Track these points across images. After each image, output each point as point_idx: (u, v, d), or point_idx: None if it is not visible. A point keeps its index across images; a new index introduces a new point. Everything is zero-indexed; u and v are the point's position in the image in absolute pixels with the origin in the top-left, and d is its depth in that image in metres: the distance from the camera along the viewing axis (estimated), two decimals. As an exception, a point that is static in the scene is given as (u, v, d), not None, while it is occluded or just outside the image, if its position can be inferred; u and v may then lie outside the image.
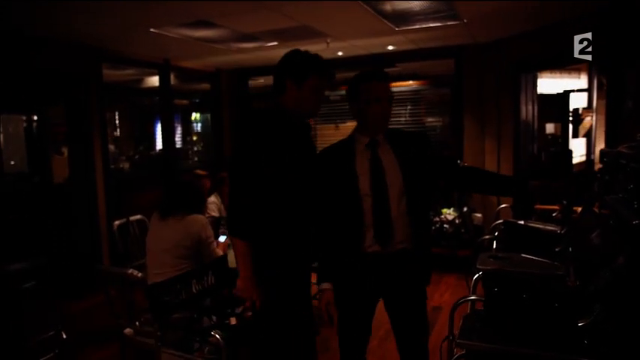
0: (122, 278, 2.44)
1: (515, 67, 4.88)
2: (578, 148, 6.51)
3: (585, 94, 6.76)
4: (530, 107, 5.06)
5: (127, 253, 3.50)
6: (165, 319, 2.36)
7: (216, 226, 3.51)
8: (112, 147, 6.53)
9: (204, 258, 2.78)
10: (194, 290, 2.52)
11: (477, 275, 2.40)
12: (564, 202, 2.96)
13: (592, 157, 6.66)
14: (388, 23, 4.10)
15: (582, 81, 6.82)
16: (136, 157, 6.98)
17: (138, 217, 3.68)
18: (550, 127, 6.67)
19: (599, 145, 6.93)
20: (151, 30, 4.08)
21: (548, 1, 3.59)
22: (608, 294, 1.58)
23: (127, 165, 6.07)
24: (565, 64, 5.27)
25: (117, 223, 3.66)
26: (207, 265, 2.69)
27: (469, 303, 2.20)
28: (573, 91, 6.51)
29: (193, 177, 3.42)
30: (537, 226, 3.15)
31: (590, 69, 6.62)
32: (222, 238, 3.30)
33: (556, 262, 2.62)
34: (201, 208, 2.94)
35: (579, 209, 3.11)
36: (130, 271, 2.35)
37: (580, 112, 6.78)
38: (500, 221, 3.00)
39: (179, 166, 6.12)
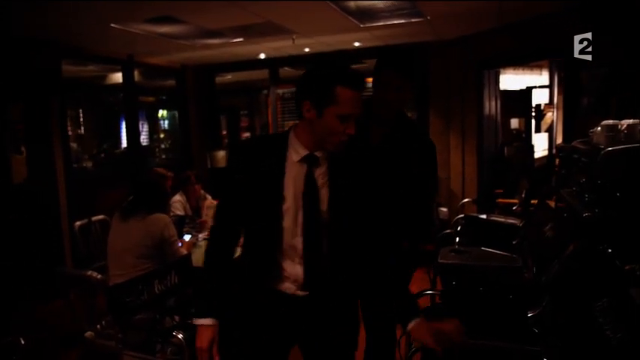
0: (82, 280, 2.39)
1: (479, 63, 4.99)
2: (540, 143, 6.73)
3: (547, 90, 6.99)
4: (493, 103, 5.18)
5: (90, 255, 3.42)
6: (126, 321, 2.32)
7: (181, 224, 3.46)
8: (75, 145, 6.35)
9: (167, 257, 2.75)
10: (156, 290, 2.48)
11: (437, 266, 2.46)
12: (522, 195, 3.06)
13: (553, 151, 6.90)
14: (353, 20, 4.12)
15: (544, 77, 7.04)
16: (102, 155, 6.81)
17: (100, 217, 3.60)
18: (514, 122, 6.85)
19: (560, 140, 7.18)
20: (112, 25, 3.97)
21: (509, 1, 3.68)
22: (556, 285, 1.65)
23: (90, 164, 5.91)
24: (526, 60, 5.44)
25: (78, 223, 3.57)
26: (171, 264, 2.66)
27: (429, 297, 2.25)
28: (535, 87, 6.73)
29: (153, 175, 3.36)
30: (498, 219, 3.25)
31: (551, 66, 6.85)
32: (186, 237, 3.26)
33: (515, 254, 2.72)
34: (164, 207, 2.90)
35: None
36: (90, 272, 2.31)
37: (542, 107, 7.01)
38: (462, 216, 3.07)
39: (146, 164, 6.00)
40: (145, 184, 2.88)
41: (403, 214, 1.97)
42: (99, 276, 2.29)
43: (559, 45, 3.99)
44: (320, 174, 1.54)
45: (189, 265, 2.76)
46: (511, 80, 6.54)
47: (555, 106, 7.02)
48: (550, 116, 7.07)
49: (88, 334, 2.53)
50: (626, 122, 2.17)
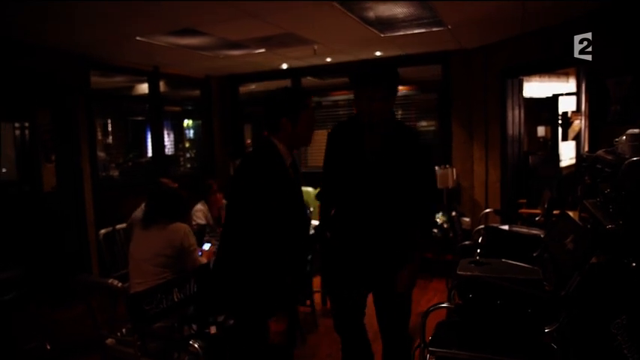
0: (104, 288, 2.45)
1: (502, 72, 4.92)
2: (567, 152, 6.57)
3: (574, 98, 6.83)
4: (517, 112, 5.09)
5: (114, 262, 3.50)
6: (145, 329, 2.36)
7: (202, 233, 3.52)
8: (102, 154, 6.52)
9: (186, 266, 2.79)
10: (176, 299, 2.52)
11: (455, 279, 2.41)
12: (545, 206, 2.99)
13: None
14: (373, 30, 4.13)
15: (571, 84, 6.88)
16: (129, 164, 6.97)
17: (124, 225, 3.68)
18: (541, 131, 6.72)
19: (587, 149, 6.98)
20: (137, 38, 4.10)
21: (533, 5, 3.62)
22: (575, 299, 1.60)
23: (116, 173, 6.06)
24: (550, 69, 5.33)
25: (103, 232, 3.65)
26: (190, 273, 2.70)
27: (445, 310, 2.21)
28: (562, 94, 6.58)
29: (159, 186, 3.42)
30: (520, 230, 3.18)
31: (579, 73, 6.70)
32: (206, 246, 3.31)
33: (536, 266, 2.65)
34: (184, 216, 2.95)
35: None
36: (111, 281, 2.36)
37: (569, 115, 6.84)
38: (482, 227, 3.01)
39: (170, 173, 6.11)
40: (167, 193, 2.93)
41: (408, 211, 2.21)
42: (119, 284, 2.34)
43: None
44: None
45: (208, 274, 2.80)
46: (537, 88, 6.42)
47: (583, 113, 6.85)
48: (577, 124, 6.88)
49: (109, 341, 2.58)
50: (651, 131, 2.10)
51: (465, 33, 4.47)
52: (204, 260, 2.94)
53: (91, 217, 4.76)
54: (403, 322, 2.26)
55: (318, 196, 2.46)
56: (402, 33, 4.31)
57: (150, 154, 6.20)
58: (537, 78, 6.55)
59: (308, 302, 3.93)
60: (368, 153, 2.18)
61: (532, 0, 3.39)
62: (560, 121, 6.70)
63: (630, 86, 3.77)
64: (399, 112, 6.06)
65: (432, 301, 4.30)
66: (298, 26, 3.99)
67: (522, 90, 5.20)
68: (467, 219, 5.07)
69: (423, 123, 6.12)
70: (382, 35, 4.35)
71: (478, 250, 3.08)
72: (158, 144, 5.85)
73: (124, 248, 3.55)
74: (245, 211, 2.02)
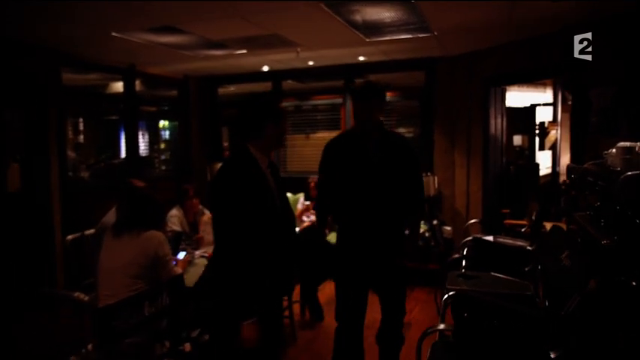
0: (68, 301, 2.26)
1: (486, 80, 4.90)
2: (544, 161, 6.63)
3: (551, 108, 6.92)
4: (499, 120, 5.08)
5: (82, 271, 3.28)
6: (113, 346, 2.19)
7: (178, 241, 3.34)
8: (72, 154, 6.24)
9: (161, 277, 2.62)
10: (146, 313, 2.36)
11: (447, 296, 2.32)
12: (533, 217, 2.94)
13: (557, 169, 6.80)
14: (359, 34, 4.05)
15: (548, 95, 6.97)
16: (101, 164, 6.70)
17: (94, 231, 3.47)
18: (517, 139, 6.77)
19: (564, 158, 7.09)
20: (114, 34, 3.90)
21: (518, 15, 3.60)
22: (579, 321, 1.52)
23: (87, 174, 5.78)
24: (534, 78, 5.35)
25: (70, 237, 3.45)
26: (162, 285, 2.54)
27: (438, 323, 2.12)
28: (539, 104, 6.65)
29: (130, 188, 3.25)
30: (505, 241, 3.12)
31: (555, 84, 6.79)
32: (181, 255, 3.13)
33: (525, 280, 2.59)
34: (160, 223, 2.77)
35: (548, 224, 3.09)
36: (77, 294, 2.18)
37: (546, 125, 6.93)
38: (470, 238, 2.94)
39: (145, 175, 5.88)
40: (142, 198, 2.76)
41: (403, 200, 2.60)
42: (86, 297, 2.16)
43: (567, 62, 3.93)
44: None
45: (182, 286, 2.64)
46: (515, 97, 6.47)
47: (559, 124, 6.96)
48: (554, 134, 6.99)
49: (73, 358, 2.39)
50: (643, 144, 2.06)
51: (451, 40, 4.43)
52: (179, 270, 2.77)
53: (58, 221, 4.50)
54: (399, 311, 2.67)
55: (316, 208, 2.82)
56: (387, 38, 4.24)
57: (123, 155, 5.96)
58: (516, 87, 6.61)
59: (287, 313, 3.79)
60: (370, 155, 2.53)
61: (520, 5, 3.35)
62: (537, 131, 6.78)
63: (613, 97, 3.79)
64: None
65: (414, 311, 4.22)
66: (283, 27, 3.87)
67: (505, 99, 5.21)
68: (448, 228, 5.02)
69: (402, 129, 6.05)
70: (367, 40, 4.27)
71: (464, 262, 3.01)
72: (132, 145, 5.62)
73: (93, 256, 3.34)
74: (226, 221, 2.08)
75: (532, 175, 5.18)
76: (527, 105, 6.53)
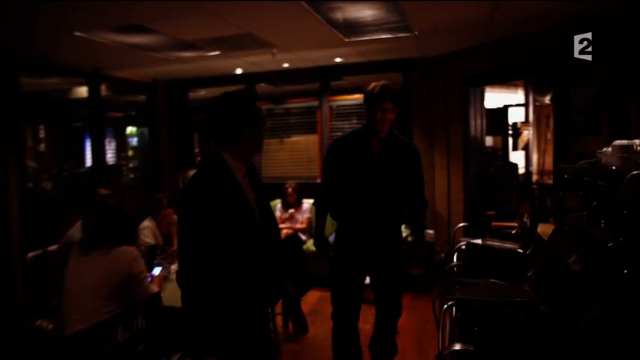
0: (30, 331, 2.01)
1: (464, 80, 4.85)
2: (516, 161, 6.69)
3: (522, 109, 6.99)
4: (478, 121, 5.04)
5: (45, 291, 3.00)
6: (84, 378, 1.96)
7: (152, 255, 3.10)
8: (34, 164, 5.86)
9: (135, 296, 2.39)
10: (120, 338, 2.13)
11: (447, 305, 2.19)
12: (525, 219, 2.86)
13: (530, 169, 6.87)
14: (338, 33, 3.91)
15: (519, 95, 7.05)
16: (65, 174, 6.31)
17: (57, 246, 3.19)
18: (489, 140, 6.80)
19: (535, 158, 7.19)
20: (76, 34, 3.62)
21: (500, 15, 3.54)
22: (602, 331, 1.41)
23: (49, 185, 5.41)
24: (514, 78, 5.34)
25: (30, 255, 3.17)
26: (137, 306, 2.31)
27: (438, 335, 1.99)
28: (512, 105, 6.70)
29: (97, 198, 3.01)
30: (495, 245, 3.03)
31: (527, 84, 6.87)
32: (156, 271, 2.90)
33: (522, 285, 2.49)
34: (132, 238, 2.54)
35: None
36: (39, 322, 1.93)
37: (519, 125, 7.00)
38: (463, 244, 2.82)
39: (112, 184, 5.58)
40: (110, 211, 2.52)
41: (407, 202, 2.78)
42: (50, 326, 1.92)
43: (549, 62, 3.92)
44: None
45: (159, 306, 2.42)
46: (487, 98, 6.50)
47: (531, 124, 7.05)
48: (526, 134, 7.07)
49: (38, 393, 2.14)
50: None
51: (430, 40, 4.35)
52: (155, 288, 2.54)
53: (17, 236, 4.15)
54: (395, 312, 2.82)
55: (316, 203, 2.86)
56: (366, 38, 4.12)
57: (88, 163, 5.63)
58: (488, 88, 6.65)
59: (270, 325, 3.60)
60: (376, 154, 2.65)
61: (504, 5, 3.29)
62: (510, 132, 6.84)
63: (593, 97, 3.79)
64: (352, 120, 5.87)
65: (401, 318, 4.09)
66: (259, 27, 3.69)
67: (484, 99, 5.17)
68: (430, 231, 4.94)
69: None
70: (346, 40, 4.13)
71: (455, 269, 2.90)
72: (99, 153, 5.31)
73: (57, 274, 3.06)
74: (193, 238, 1.81)
75: (512, 176, 5.16)
76: (500, 106, 6.57)
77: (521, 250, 2.83)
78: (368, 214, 2.64)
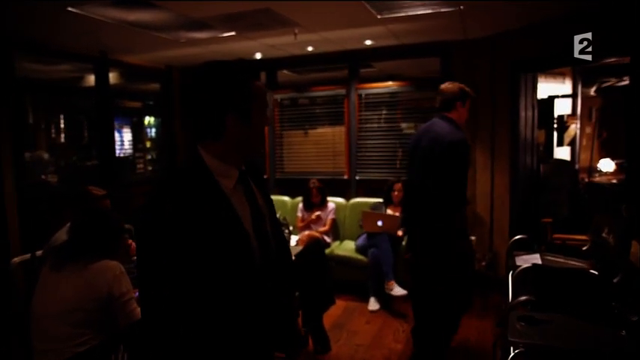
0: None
1: (513, 66, 4.22)
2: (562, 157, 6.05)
3: (569, 100, 6.33)
4: (529, 113, 4.41)
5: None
6: None
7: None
8: (46, 155, 5.58)
9: (118, 321, 1.94)
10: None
11: (514, 353, 1.66)
12: (604, 234, 2.29)
13: (576, 166, 6.20)
14: (370, 9, 3.36)
15: (567, 86, 6.38)
16: (76, 165, 6.00)
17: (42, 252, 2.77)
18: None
19: (584, 155, 6.51)
20: (69, 9, 3.19)
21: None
22: None
23: (55, 179, 5.07)
24: (569, 63, 4.66)
25: (16, 260, 2.77)
26: (118, 335, 1.86)
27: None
28: (558, 96, 6.04)
29: (86, 197, 2.58)
30: (562, 265, 2.46)
31: (575, 73, 6.18)
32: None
33: (612, 327, 1.93)
34: (115, 249, 2.08)
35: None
36: None
37: (565, 119, 6.32)
38: (527, 265, 2.26)
39: (121, 179, 5.21)
40: (91, 217, 2.07)
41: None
42: None
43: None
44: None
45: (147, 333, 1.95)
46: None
47: (579, 117, 6.40)
48: (573, 128, 6.42)
49: None
50: None
51: (477, 17, 3.75)
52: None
53: (15, 239, 3.79)
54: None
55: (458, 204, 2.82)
56: (403, 14, 3.56)
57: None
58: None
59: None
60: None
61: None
62: (555, 125, 6.17)
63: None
64: (382, 111, 5.30)
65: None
66: (279, 1, 3.18)
67: (537, 88, 4.53)
68: (472, 237, 4.37)
69: (404, 125, 5.33)
70: (379, 16, 3.58)
71: (514, 294, 2.35)
72: (108, 144, 4.94)
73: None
74: (153, 277, 1.18)
75: (566, 176, 4.51)
76: (545, 97, 5.90)
77: (595, 272, 2.26)
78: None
